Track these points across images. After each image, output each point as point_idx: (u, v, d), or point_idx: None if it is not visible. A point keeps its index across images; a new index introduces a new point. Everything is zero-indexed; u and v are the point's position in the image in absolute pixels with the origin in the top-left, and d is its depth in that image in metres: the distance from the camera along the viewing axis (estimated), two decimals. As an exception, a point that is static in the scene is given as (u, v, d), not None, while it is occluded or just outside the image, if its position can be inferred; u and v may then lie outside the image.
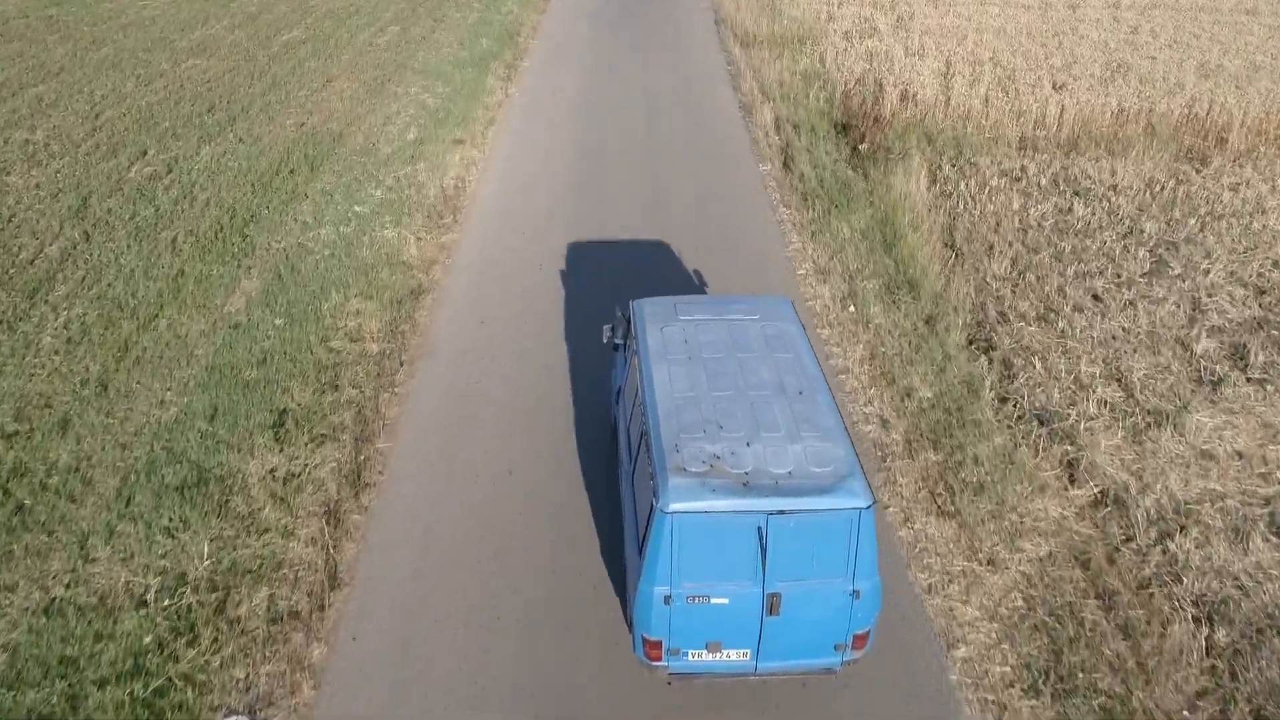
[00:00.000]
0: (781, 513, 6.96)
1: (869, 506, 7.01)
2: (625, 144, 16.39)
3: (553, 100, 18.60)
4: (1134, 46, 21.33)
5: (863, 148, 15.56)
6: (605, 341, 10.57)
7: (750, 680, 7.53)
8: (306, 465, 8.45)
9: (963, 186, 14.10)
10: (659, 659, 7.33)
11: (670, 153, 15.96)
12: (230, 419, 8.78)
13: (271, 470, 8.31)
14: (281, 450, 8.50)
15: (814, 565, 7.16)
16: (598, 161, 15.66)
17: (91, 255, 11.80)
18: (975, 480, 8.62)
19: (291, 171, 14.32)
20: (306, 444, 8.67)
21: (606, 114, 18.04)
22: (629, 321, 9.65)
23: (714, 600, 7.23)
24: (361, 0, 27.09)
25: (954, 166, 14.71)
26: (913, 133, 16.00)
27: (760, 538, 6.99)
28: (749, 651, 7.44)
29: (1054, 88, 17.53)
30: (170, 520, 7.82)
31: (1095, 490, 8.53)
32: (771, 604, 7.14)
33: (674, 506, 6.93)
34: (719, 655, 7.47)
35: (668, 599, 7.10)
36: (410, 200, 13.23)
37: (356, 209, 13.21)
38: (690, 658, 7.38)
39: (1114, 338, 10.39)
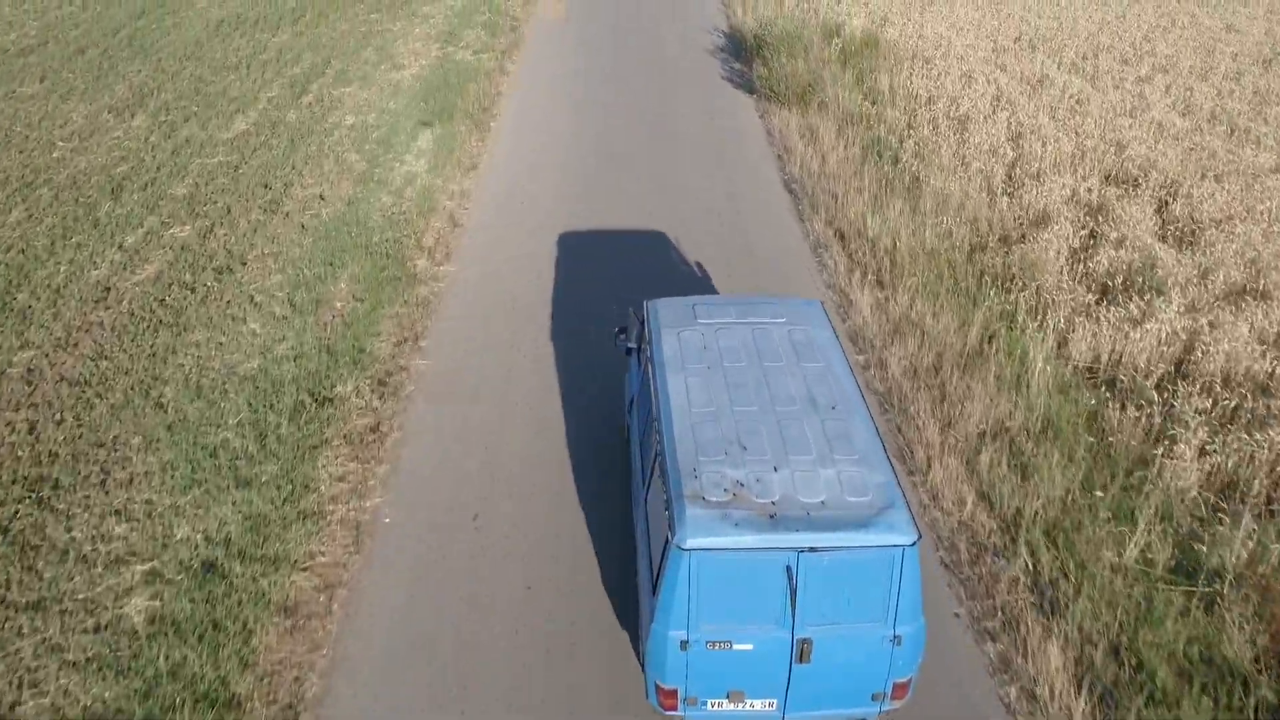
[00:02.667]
0: (814, 550, 6.36)
1: (913, 544, 6.35)
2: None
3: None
4: None
5: None
6: (617, 346, 10.03)
7: None
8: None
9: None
10: (674, 708, 6.81)
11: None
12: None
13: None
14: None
15: (850, 608, 6.55)
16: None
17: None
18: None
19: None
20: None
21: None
22: (643, 324, 8.97)
23: (737, 646, 6.62)
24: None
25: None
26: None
27: (789, 577, 6.41)
28: (775, 702, 6.81)
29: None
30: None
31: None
32: (802, 651, 6.51)
33: (692, 543, 6.30)
34: (742, 705, 6.90)
35: (684, 644, 6.52)
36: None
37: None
38: (710, 708, 6.87)
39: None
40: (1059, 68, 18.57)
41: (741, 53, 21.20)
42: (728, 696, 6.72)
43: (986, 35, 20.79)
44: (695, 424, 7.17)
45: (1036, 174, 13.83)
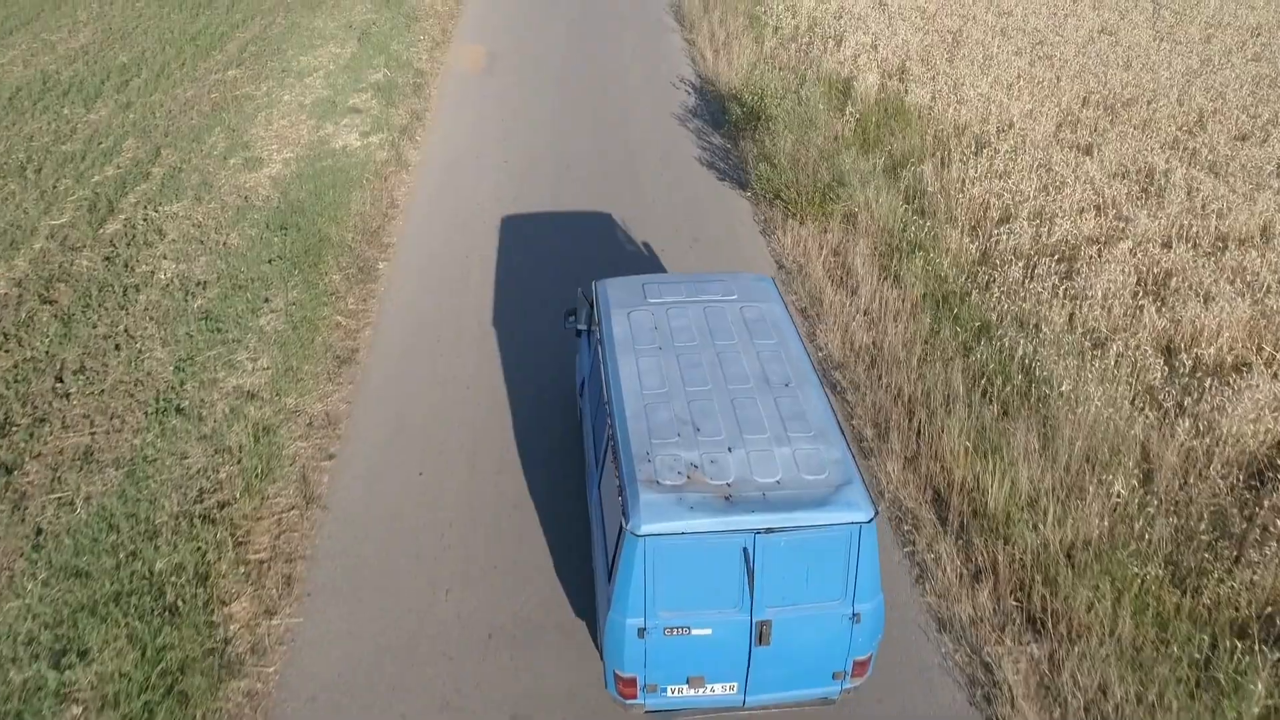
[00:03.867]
0: (770, 530, 9.03)
1: (870, 519, 9.12)
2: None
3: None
4: None
5: None
6: (567, 327, 13.48)
7: (739, 714, 9.80)
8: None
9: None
10: (634, 696, 9.36)
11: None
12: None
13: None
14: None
15: (808, 588, 9.31)
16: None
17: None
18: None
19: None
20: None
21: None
22: (592, 305, 12.23)
23: (695, 632, 9.34)
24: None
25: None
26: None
27: (747, 559, 9.13)
28: (736, 685, 9.58)
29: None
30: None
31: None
32: (761, 633, 9.28)
33: (646, 528, 8.92)
34: (702, 690, 9.55)
35: (642, 632, 9.23)
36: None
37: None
38: (670, 694, 9.42)
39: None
40: (1165, 153, 21.06)
41: (721, 121, 24.63)
42: (688, 682, 9.44)
43: (1046, 94, 24.12)
44: (647, 406, 10.11)
45: (1215, 365, 14.24)
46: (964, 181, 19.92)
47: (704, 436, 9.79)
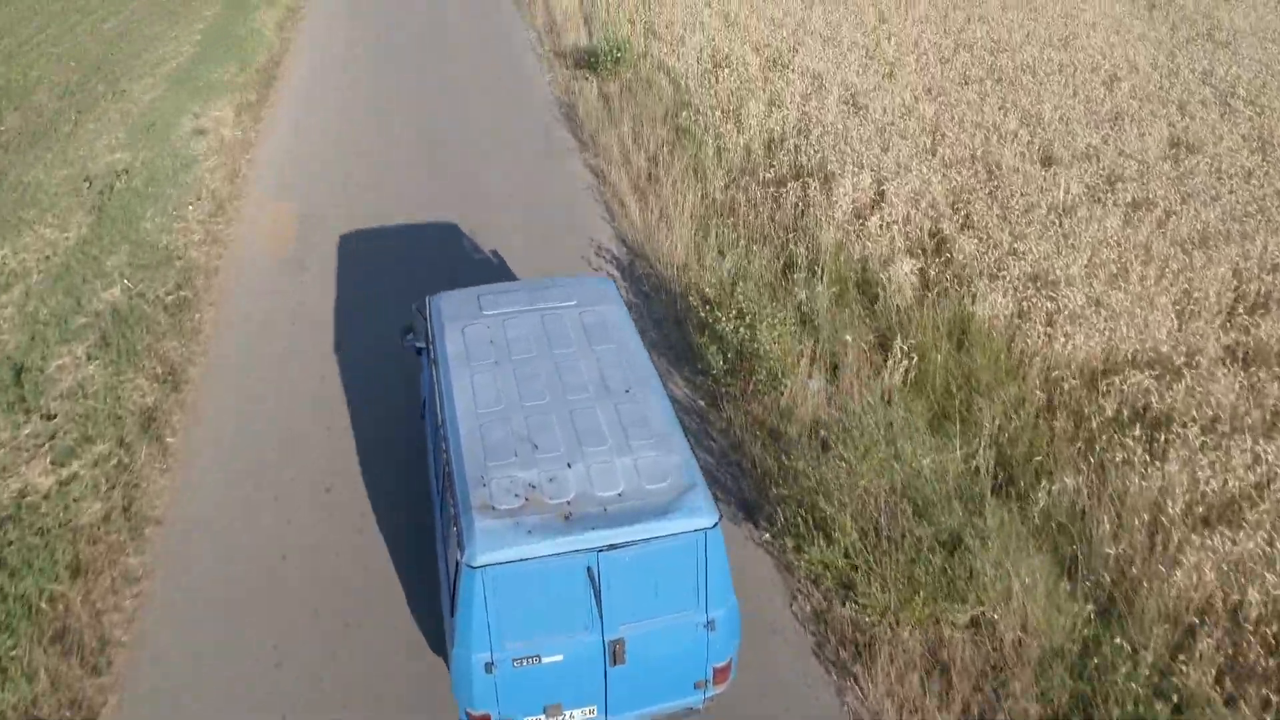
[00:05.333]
0: (613, 547, 9.50)
1: (714, 525, 9.94)
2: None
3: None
4: None
5: None
6: (406, 345, 13.72)
7: None
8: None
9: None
10: None
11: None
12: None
13: None
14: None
15: (658, 601, 9.85)
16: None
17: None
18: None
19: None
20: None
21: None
22: (429, 322, 12.79)
23: (546, 659, 9.66)
24: None
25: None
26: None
27: (592, 579, 9.44)
28: (595, 708, 10.18)
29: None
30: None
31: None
32: (615, 652, 9.87)
33: (483, 558, 9.38)
34: (561, 718, 9.79)
35: (489, 666, 9.76)
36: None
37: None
38: None
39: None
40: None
41: (683, 351, 18.53)
42: (544, 711, 9.92)
43: (1187, 279, 18.60)
44: (483, 426, 10.95)
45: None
46: (1166, 521, 13.97)
47: (542, 453, 10.70)
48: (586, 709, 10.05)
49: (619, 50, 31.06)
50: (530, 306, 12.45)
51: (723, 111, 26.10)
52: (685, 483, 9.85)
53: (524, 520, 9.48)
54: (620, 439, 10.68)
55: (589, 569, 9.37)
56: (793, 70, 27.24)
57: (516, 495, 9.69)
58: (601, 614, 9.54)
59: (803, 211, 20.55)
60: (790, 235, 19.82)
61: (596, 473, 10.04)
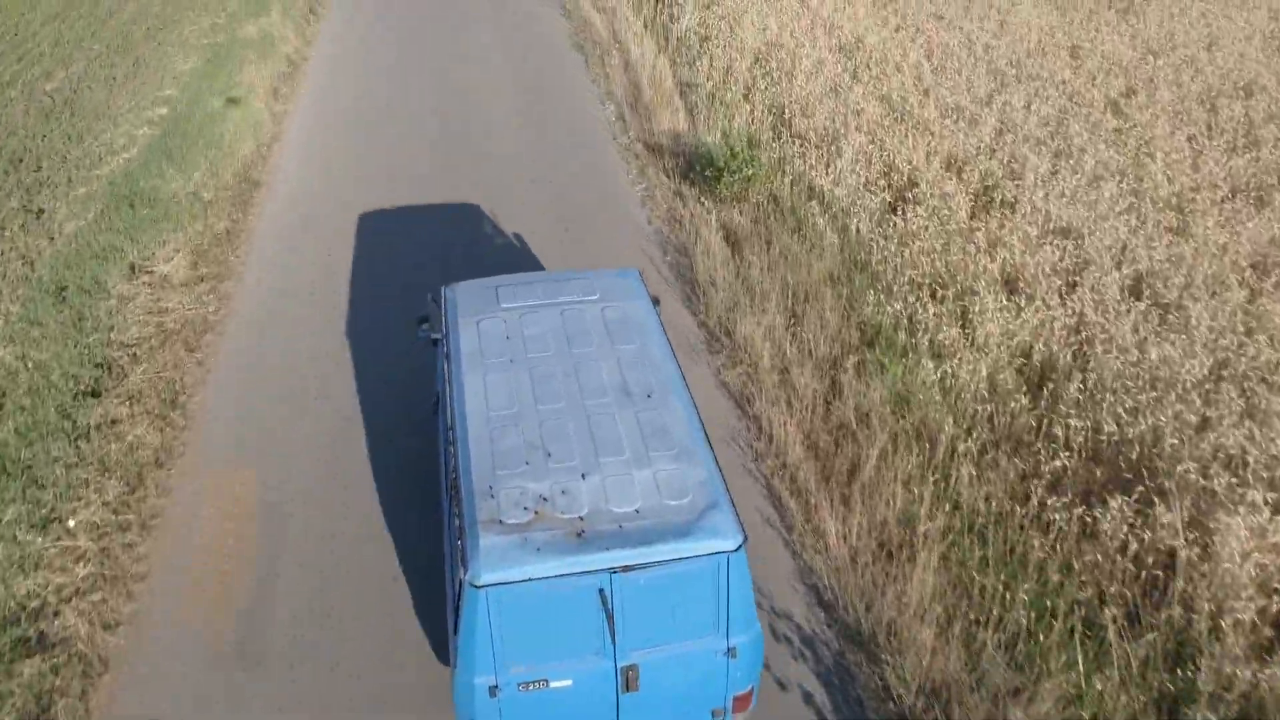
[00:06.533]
0: (628, 568, 8.84)
1: (738, 547, 9.16)
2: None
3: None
4: None
5: None
6: (420, 337, 12.81)
7: None
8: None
9: None
10: None
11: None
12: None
13: None
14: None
15: (676, 626, 9.21)
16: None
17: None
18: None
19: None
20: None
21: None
22: (444, 313, 12.06)
23: (555, 684, 9.08)
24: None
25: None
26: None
27: (604, 601, 8.81)
28: None
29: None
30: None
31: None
32: (628, 680, 9.21)
33: (487, 578, 8.79)
34: None
35: (494, 690, 9.14)
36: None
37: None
38: None
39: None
40: None
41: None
42: None
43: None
44: (493, 431, 10.27)
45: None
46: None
47: (555, 462, 9.98)
48: None
49: (749, 159, 21.23)
50: (550, 300, 11.79)
51: (930, 294, 16.92)
52: (708, 500, 9.19)
53: (533, 537, 8.89)
54: (639, 449, 9.94)
55: (601, 591, 8.81)
56: (1020, 214, 17.37)
57: (526, 508, 9.11)
58: (614, 638, 9.01)
59: (1163, 584, 11.46)
60: (1154, 644, 10.78)
61: (612, 486, 9.42)
